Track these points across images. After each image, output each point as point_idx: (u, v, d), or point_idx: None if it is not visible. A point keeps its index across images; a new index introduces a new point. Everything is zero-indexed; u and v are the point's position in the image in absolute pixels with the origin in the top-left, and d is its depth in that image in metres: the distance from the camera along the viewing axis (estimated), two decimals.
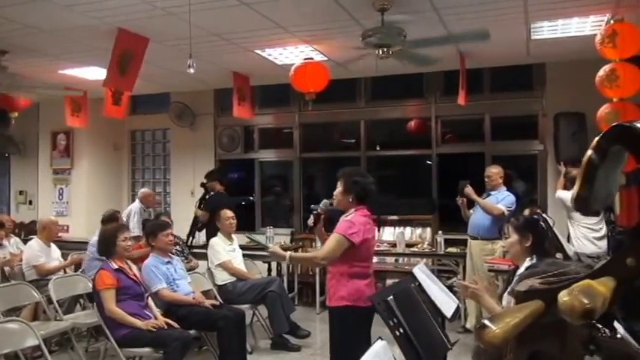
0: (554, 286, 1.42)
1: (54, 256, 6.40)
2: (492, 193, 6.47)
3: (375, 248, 7.05)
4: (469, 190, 6.47)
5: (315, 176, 10.26)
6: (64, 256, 6.61)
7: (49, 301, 5.40)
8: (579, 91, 6.99)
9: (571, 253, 5.57)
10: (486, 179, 6.54)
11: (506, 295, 3.28)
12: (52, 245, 6.51)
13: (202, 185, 8.22)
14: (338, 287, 3.77)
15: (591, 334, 1.37)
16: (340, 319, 3.77)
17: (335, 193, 3.94)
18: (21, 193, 10.93)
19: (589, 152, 1.27)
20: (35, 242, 6.38)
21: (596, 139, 1.25)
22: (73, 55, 6.85)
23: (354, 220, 3.76)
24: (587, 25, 6.01)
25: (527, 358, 1.45)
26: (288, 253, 4.09)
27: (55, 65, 7.32)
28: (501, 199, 6.34)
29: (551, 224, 4.55)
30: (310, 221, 4.09)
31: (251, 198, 10.16)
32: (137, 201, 8.04)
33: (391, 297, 3.00)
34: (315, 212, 4.11)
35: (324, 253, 3.75)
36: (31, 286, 5.34)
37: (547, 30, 6.17)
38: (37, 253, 6.23)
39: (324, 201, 4.12)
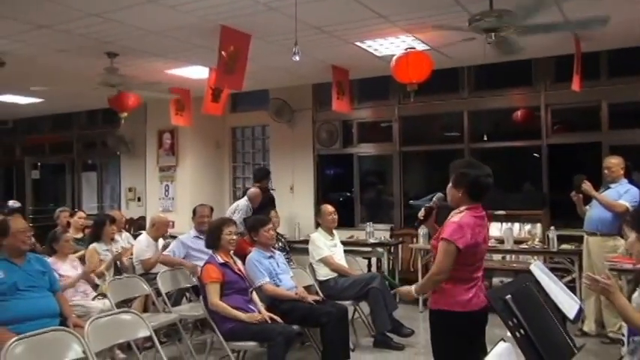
0: None
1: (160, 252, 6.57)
2: (612, 186, 6.03)
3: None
4: (587, 185, 6.05)
5: (415, 171, 10.07)
6: None
7: (158, 293, 5.58)
8: None
9: None
10: (606, 171, 6.10)
11: (635, 296, 3.02)
12: (160, 241, 6.71)
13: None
14: (436, 290, 3.52)
15: None
16: (436, 323, 3.58)
17: (447, 188, 3.59)
18: (130, 190, 11.47)
19: None
20: (144, 238, 6.59)
21: None
22: (178, 54, 7.03)
23: (461, 222, 3.41)
24: None
25: None
26: (412, 288, 3.68)
27: (162, 65, 7.54)
28: (623, 193, 5.88)
29: None
30: (421, 214, 3.87)
31: (348, 194, 10.14)
32: (245, 198, 8.12)
33: (509, 295, 2.79)
34: (426, 206, 3.88)
35: (437, 267, 3.42)
36: (141, 279, 5.53)
37: None
38: (144, 248, 6.43)
39: (439, 194, 3.85)
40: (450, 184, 3.54)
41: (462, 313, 3.40)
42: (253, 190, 8.17)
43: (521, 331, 2.71)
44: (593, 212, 6.09)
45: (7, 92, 9.37)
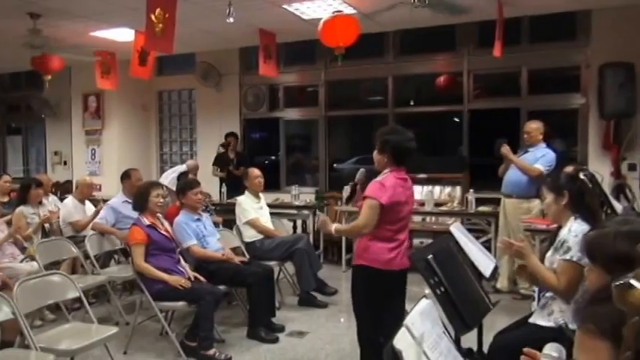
0: None
1: (88, 214, 6.58)
2: (530, 150, 6.20)
3: None
4: (505, 149, 6.21)
5: (340, 135, 10.24)
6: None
7: (86, 256, 5.65)
8: (628, 39, 6.60)
9: (619, 209, 4.89)
10: (525, 135, 6.27)
11: (549, 255, 3.20)
12: (87, 203, 6.74)
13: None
14: (359, 246, 3.76)
15: None
16: (357, 277, 3.79)
17: (373, 154, 3.78)
18: (56, 153, 11.28)
19: None
20: (70, 200, 6.63)
21: None
22: (103, 16, 6.93)
23: (384, 182, 3.63)
24: None
25: None
26: (334, 226, 4.04)
27: (86, 27, 7.41)
28: (540, 157, 6.06)
29: (599, 180, 3.91)
30: (346, 193, 4.01)
31: (274, 158, 10.29)
32: (185, 166, 8.31)
33: (431, 255, 2.97)
34: (350, 184, 4.02)
35: (363, 220, 3.61)
36: (69, 242, 5.59)
37: None
38: (71, 210, 6.47)
39: (361, 170, 4.01)
40: (376, 151, 3.74)
41: (382, 270, 3.63)
42: (193, 162, 8.41)
43: (442, 288, 2.90)
44: (510, 175, 6.24)
45: None
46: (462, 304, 2.91)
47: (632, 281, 1.16)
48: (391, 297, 3.72)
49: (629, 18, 6.52)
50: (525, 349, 1.83)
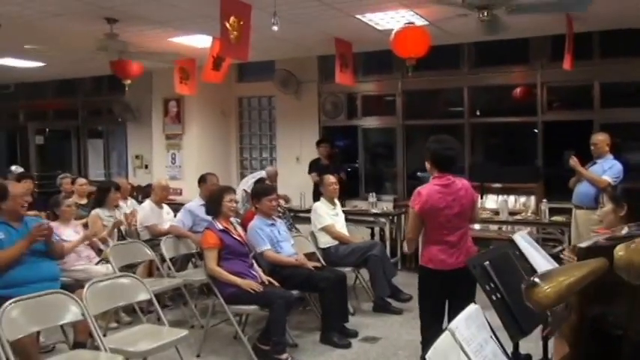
0: (619, 242, 1.31)
1: (166, 218, 6.67)
2: (598, 161, 6.27)
3: (482, 216, 7.04)
4: (574, 161, 6.32)
5: (418, 144, 10.08)
6: None
7: (163, 259, 5.71)
8: None
9: None
10: (592, 147, 6.34)
11: None
12: (165, 207, 6.82)
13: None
14: (421, 249, 4.16)
15: None
16: (419, 275, 4.10)
17: None
18: (137, 157, 11.53)
19: None
20: (147, 204, 6.72)
21: None
22: (180, 23, 7.01)
23: (422, 190, 3.93)
24: None
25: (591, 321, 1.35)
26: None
27: (165, 33, 7.52)
28: (607, 168, 6.12)
29: None
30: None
31: (355, 165, 10.22)
32: (264, 172, 8.35)
33: (487, 262, 3.00)
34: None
35: (407, 228, 4.01)
36: (144, 245, 5.65)
37: None
38: (149, 214, 6.55)
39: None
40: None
41: (434, 270, 3.94)
42: (272, 168, 8.47)
43: (498, 294, 2.88)
44: (580, 187, 6.34)
45: (5, 55, 9.24)
46: (518, 310, 2.90)
47: (536, 280, 1.23)
48: (450, 296, 3.92)
49: None
50: None
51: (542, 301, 1.18)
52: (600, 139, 6.32)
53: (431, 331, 3.83)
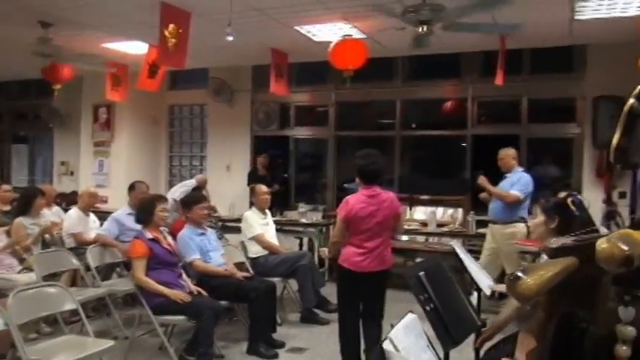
0: (587, 242, 1.42)
1: (92, 226, 6.55)
2: (507, 175, 6.42)
3: (406, 227, 7.20)
4: (482, 180, 6.45)
5: (349, 155, 10.22)
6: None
7: (87, 268, 5.57)
8: (621, 74, 6.69)
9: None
10: (499, 162, 6.47)
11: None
12: (91, 215, 6.68)
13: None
14: (342, 252, 4.42)
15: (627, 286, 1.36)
16: (338, 276, 4.57)
17: None
18: (63, 164, 11.25)
19: (630, 100, 1.23)
20: (74, 212, 6.57)
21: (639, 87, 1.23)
22: (115, 28, 6.94)
23: (349, 199, 4.33)
24: (633, 6, 5.86)
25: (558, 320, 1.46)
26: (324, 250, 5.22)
27: (99, 38, 7.41)
28: (516, 181, 6.28)
29: (586, 205, 4.34)
30: None
31: (284, 175, 10.23)
32: (195, 181, 8.26)
33: (422, 272, 3.05)
34: None
35: (333, 233, 4.36)
36: (70, 253, 5.52)
37: (591, 10, 6.05)
38: (75, 222, 6.41)
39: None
40: None
41: (351, 271, 4.32)
42: (200, 176, 8.33)
43: (431, 305, 2.94)
44: (493, 202, 6.49)
45: None
46: (451, 320, 2.97)
47: (519, 273, 1.28)
48: (363, 295, 4.45)
49: (621, 54, 6.69)
50: None
51: (525, 293, 1.27)
52: (506, 153, 6.44)
53: (345, 322, 4.50)
